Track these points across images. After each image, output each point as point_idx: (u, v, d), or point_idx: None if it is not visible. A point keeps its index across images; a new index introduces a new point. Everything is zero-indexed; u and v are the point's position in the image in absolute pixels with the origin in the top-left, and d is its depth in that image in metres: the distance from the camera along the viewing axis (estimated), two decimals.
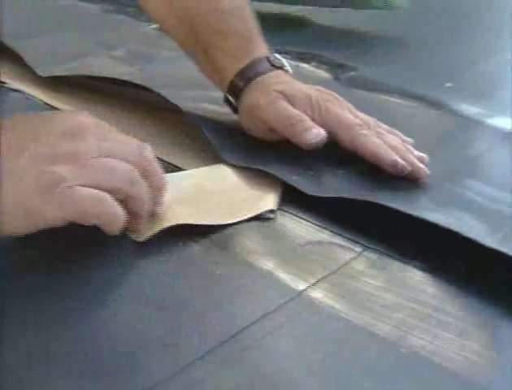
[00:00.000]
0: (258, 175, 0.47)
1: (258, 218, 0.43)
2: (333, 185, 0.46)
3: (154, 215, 0.40)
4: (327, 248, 0.41)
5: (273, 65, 0.52)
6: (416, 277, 0.38)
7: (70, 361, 0.31)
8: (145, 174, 0.39)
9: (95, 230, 0.37)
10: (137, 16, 0.81)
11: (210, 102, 0.56)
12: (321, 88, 0.52)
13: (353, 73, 0.66)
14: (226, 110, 0.54)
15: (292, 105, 0.49)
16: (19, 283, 0.36)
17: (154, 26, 0.77)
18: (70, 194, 0.35)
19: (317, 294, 0.36)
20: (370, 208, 0.42)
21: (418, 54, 0.73)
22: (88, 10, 0.84)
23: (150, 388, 0.30)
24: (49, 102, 0.58)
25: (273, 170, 0.46)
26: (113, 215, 0.36)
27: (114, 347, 0.32)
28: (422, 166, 0.47)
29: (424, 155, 0.49)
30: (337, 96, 0.52)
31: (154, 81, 0.59)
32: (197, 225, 0.41)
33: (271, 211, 0.44)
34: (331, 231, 0.42)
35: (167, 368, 0.31)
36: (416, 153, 0.49)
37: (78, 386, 0.30)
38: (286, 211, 0.44)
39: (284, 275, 0.38)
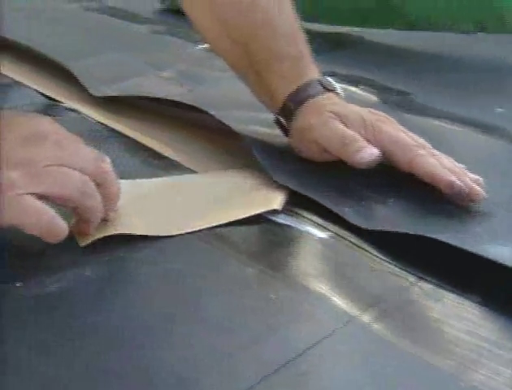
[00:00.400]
0: (262, 176, 0.48)
1: (313, 242, 0.42)
2: (386, 217, 0.45)
3: (103, 222, 0.41)
4: (380, 275, 0.40)
5: (325, 88, 0.52)
6: (473, 310, 0.37)
7: (129, 382, 0.31)
8: (100, 184, 0.39)
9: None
10: (186, 37, 0.81)
11: (260, 125, 0.56)
12: (373, 110, 0.52)
13: (401, 96, 0.65)
14: (277, 132, 0.54)
15: (345, 125, 0.49)
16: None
17: (203, 46, 0.77)
18: (16, 203, 0.36)
19: (372, 321, 0.35)
20: (424, 239, 0.41)
21: (468, 76, 0.71)
22: (138, 30, 0.84)
23: None
24: (101, 121, 0.59)
25: (324, 200, 0.46)
26: (52, 229, 0.37)
27: (170, 371, 0.32)
28: (478, 188, 0.46)
29: (480, 178, 0.47)
30: (389, 117, 0.51)
31: (203, 102, 0.58)
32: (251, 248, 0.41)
33: (275, 211, 0.44)
34: (384, 260, 0.41)
35: (241, 384, 0.31)
36: (472, 175, 0.48)
37: None
38: (342, 237, 0.43)
39: (338, 300, 0.37)
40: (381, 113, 0.52)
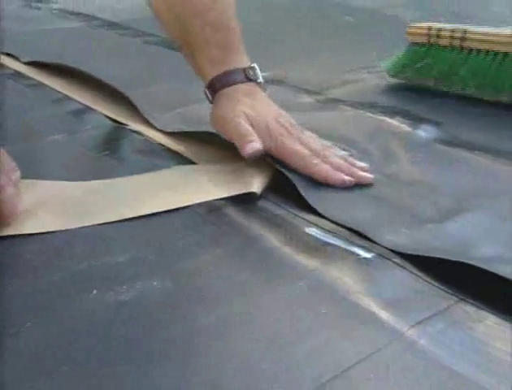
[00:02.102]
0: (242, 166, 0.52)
1: (359, 261, 0.41)
2: (427, 243, 0.44)
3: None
4: (423, 295, 0.39)
5: (247, 77, 0.56)
6: None
7: (195, 383, 0.31)
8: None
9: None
10: None
11: None
12: (281, 116, 0.55)
13: (435, 127, 0.64)
14: None
15: (252, 126, 0.53)
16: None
17: None
18: None
19: (418, 339, 0.35)
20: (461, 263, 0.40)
21: (498, 111, 0.70)
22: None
23: None
24: (162, 142, 0.60)
25: (363, 228, 0.45)
26: None
27: (236, 381, 0.32)
28: (365, 174, 0.52)
29: (365, 164, 0.54)
30: (291, 125, 0.55)
31: None
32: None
33: (253, 194, 0.49)
34: (426, 280, 0.40)
35: None
36: (359, 164, 0.54)
37: None
38: (386, 257, 0.42)
39: (385, 317, 0.36)
40: (286, 119, 0.55)
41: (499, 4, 1.25)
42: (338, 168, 0.52)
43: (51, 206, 0.47)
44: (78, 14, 1.11)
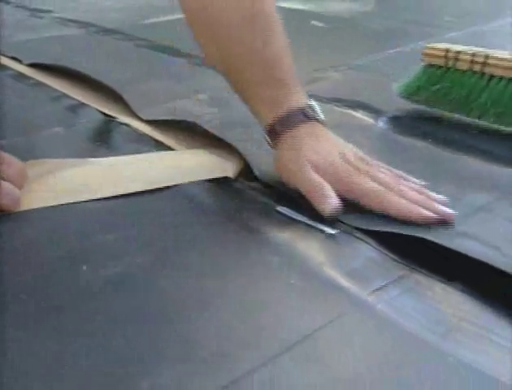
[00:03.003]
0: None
1: (325, 237, 0.41)
2: (384, 219, 0.43)
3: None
4: (383, 266, 0.38)
5: (306, 116, 0.46)
6: (457, 297, 0.35)
7: (170, 349, 0.31)
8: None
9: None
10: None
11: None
12: (346, 152, 0.46)
13: (393, 119, 0.63)
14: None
15: (318, 173, 0.44)
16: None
17: None
18: None
19: (377, 304, 0.34)
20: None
21: None
22: (179, 62, 0.83)
23: (242, 376, 0.29)
24: (147, 132, 0.58)
25: None
26: None
27: (208, 343, 0.31)
28: (446, 209, 0.42)
29: (443, 197, 0.44)
30: (359, 159, 0.46)
31: (227, 121, 0.60)
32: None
33: (228, 178, 0.47)
34: (385, 253, 0.39)
35: (252, 360, 0.30)
36: (436, 197, 0.44)
37: (180, 371, 0.29)
38: (349, 233, 0.42)
39: (347, 286, 0.36)
40: (353, 153, 0.46)
41: (452, 13, 1.24)
42: (415, 202, 0.42)
43: (44, 183, 0.46)
44: (76, 21, 1.08)
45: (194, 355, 0.30)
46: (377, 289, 0.35)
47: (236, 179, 0.49)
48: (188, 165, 0.51)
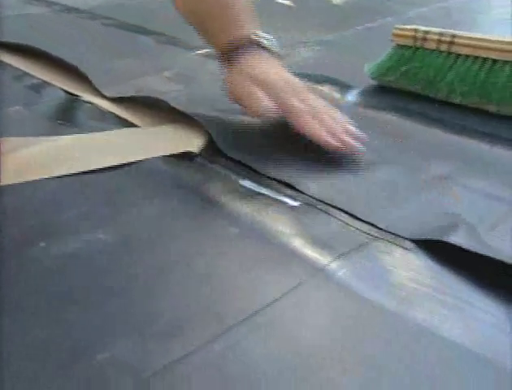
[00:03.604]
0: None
1: (286, 208, 0.41)
2: (347, 191, 0.43)
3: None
4: (344, 234, 0.38)
5: (257, 44, 0.52)
6: (416, 261, 0.35)
7: (128, 322, 0.30)
8: None
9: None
10: (185, 46, 0.79)
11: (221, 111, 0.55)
12: (284, 74, 0.52)
13: (360, 93, 0.63)
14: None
15: (261, 88, 0.49)
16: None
17: (198, 53, 0.75)
18: None
19: (336, 271, 0.34)
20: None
21: None
22: (146, 41, 0.82)
23: (200, 345, 0.28)
24: (111, 110, 0.57)
25: (292, 180, 0.44)
26: None
27: (166, 315, 0.31)
28: (352, 142, 0.47)
29: (361, 134, 0.48)
30: (299, 86, 0.51)
31: (192, 97, 0.59)
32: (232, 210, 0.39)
33: (192, 153, 0.47)
34: (347, 223, 0.39)
35: (209, 331, 0.29)
36: (353, 131, 0.49)
37: (138, 343, 0.29)
38: (311, 204, 0.41)
39: (308, 254, 0.36)
40: (291, 77, 0.52)
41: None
42: (330, 130, 0.47)
43: (9, 161, 0.45)
44: (42, 0, 1.06)
45: (151, 327, 0.30)
46: (338, 257, 0.35)
47: (200, 154, 0.48)
48: (152, 140, 0.50)
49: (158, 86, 0.63)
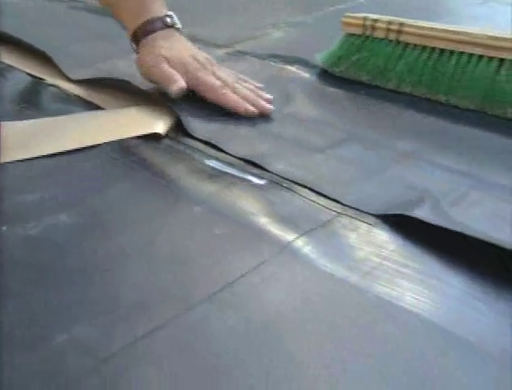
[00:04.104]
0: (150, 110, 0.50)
1: (252, 187, 0.40)
2: (313, 169, 0.43)
3: None
4: (310, 211, 0.38)
5: (165, 24, 0.54)
6: (380, 237, 0.36)
7: (89, 303, 0.30)
8: None
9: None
10: None
11: None
12: (197, 53, 0.54)
13: (329, 74, 0.63)
14: None
15: (171, 66, 0.52)
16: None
17: None
18: None
19: (302, 247, 0.34)
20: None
21: None
22: (111, 23, 0.80)
23: (164, 324, 0.28)
24: (76, 92, 0.56)
25: (258, 159, 0.44)
26: None
27: (133, 296, 0.30)
28: (267, 106, 0.51)
29: (270, 96, 0.53)
30: (207, 60, 0.54)
31: None
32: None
33: (157, 134, 0.46)
34: (312, 200, 0.39)
35: (173, 309, 0.29)
36: (265, 96, 0.53)
37: (99, 325, 0.28)
38: (276, 182, 0.41)
39: (274, 231, 0.36)
40: (202, 56, 0.54)
41: None
42: (245, 99, 0.51)
43: None
44: None
45: (113, 308, 0.29)
46: (303, 234, 0.35)
47: (166, 136, 0.48)
48: (117, 122, 0.49)
49: (126, 69, 0.62)
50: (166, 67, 0.52)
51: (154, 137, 0.47)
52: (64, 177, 0.42)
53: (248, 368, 0.26)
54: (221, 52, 0.70)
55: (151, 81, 0.54)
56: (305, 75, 0.62)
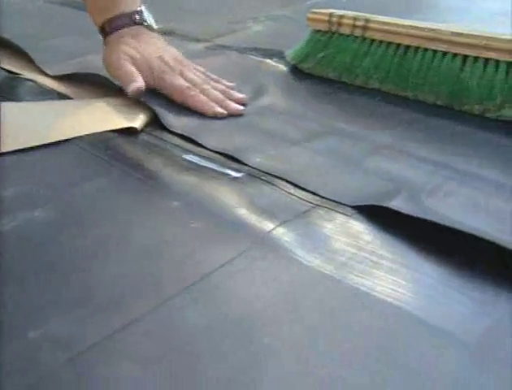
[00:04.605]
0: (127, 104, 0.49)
1: (230, 180, 0.40)
2: (290, 161, 0.43)
3: None
4: (287, 203, 0.38)
5: (133, 20, 0.53)
6: (356, 228, 0.36)
7: (63, 298, 0.29)
8: None
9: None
10: None
11: None
12: (165, 53, 0.52)
13: None
14: None
15: (135, 66, 0.51)
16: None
17: None
18: None
19: (280, 238, 0.34)
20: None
21: None
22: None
23: (139, 317, 0.28)
24: (53, 87, 0.56)
25: (235, 152, 0.44)
26: None
27: (107, 288, 0.30)
28: (236, 106, 0.50)
29: (242, 96, 0.52)
30: (175, 60, 0.52)
31: None
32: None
33: (133, 128, 0.46)
34: (289, 193, 0.39)
35: (149, 302, 0.29)
36: (236, 96, 0.52)
37: (73, 319, 0.28)
38: (254, 176, 0.41)
39: (252, 223, 0.35)
40: (172, 55, 0.53)
41: None
42: (214, 100, 0.50)
43: None
44: None
45: (87, 303, 0.29)
46: (280, 225, 0.35)
47: (143, 130, 0.47)
48: (93, 115, 0.49)
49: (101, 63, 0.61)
50: (127, 65, 0.50)
51: (131, 132, 0.47)
52: (38, 171, 0.41)
53: (224, 360, 0.26)
54: (201, 46, 0.69)
55: (114, 79, 0.53)
56: (283, 68, 0.62)
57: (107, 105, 0.51)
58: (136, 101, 0.50)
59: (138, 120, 0.48)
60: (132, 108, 0.50)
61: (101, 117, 0.49)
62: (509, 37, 0.49)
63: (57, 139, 0.44)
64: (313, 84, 0.58)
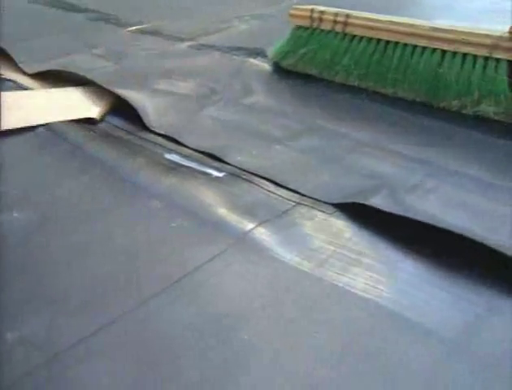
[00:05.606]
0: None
1: (211, 179, 0.40)
2: (272, 160, 0.43)
3: None
4: (268, 201, 0.38)
5: None
6: (337, 225, 0.36)
7: (40, 299, 0.29)
8: None
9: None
10: (116, 23, 0.76)
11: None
12: None
13: None
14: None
15: None
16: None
17: (130, 29, 0.73)
18: None
19: (260, 237, 0.34)
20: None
21: None
22: (76, 18, 0.79)
23: (116, 318, 0.28)
24: (33, 87, 0.55)
25: (217, 151, 0.44)
26: None
27: (85, 288, 0.30)
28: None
29: None
30: None
31: (122, 74, 0.58)
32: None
33: (91, 119, 0.46)
34: (270, 191, 0.39)
35: (129, 302, 0.29)
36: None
37: (49, 321, 0.28)
38: (236, 175, 0.41)
39: (233, 222, 0.35)
40: None
41: None
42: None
43: None
44: None
45: (66, 304, 0.29)
46: (260, 224, 0.35)
47: (124, 130, 0.47)
48: (50, 105, 0.48)
49: (86, 63, 0.61)
50: None
51: (111, 131, 0.46)
52: (17, 173, 0.41)
53: (203, 359, 0.26)
54: (184, 45, 0.69)
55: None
56: (266, 67, 0.62)
57: (66, 93, 0.50)
58: (96, 90, 0.50)
59: (98, 110, 0.47)
60: (90, 98, 0.49)
61: (61, 106, 0.48)
62: (486, 32, 0.50)
63: (17, 126, 0.44)
64: (296, 82, 0.58)
